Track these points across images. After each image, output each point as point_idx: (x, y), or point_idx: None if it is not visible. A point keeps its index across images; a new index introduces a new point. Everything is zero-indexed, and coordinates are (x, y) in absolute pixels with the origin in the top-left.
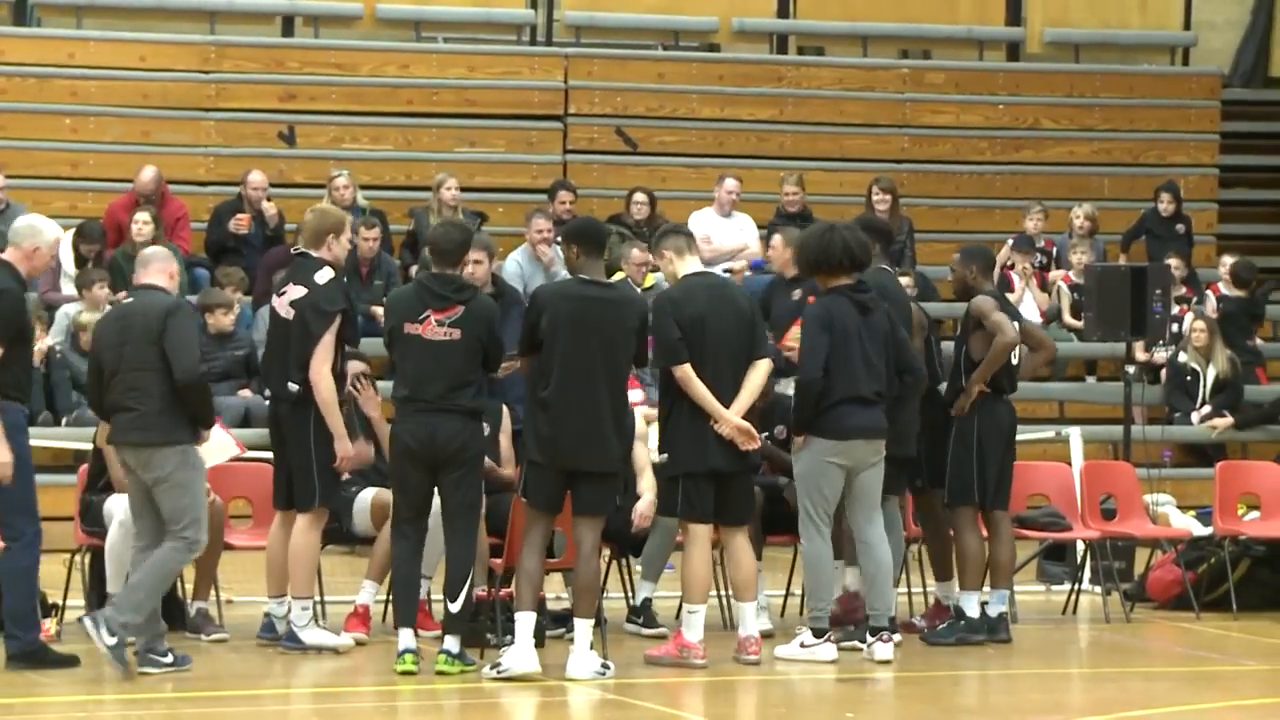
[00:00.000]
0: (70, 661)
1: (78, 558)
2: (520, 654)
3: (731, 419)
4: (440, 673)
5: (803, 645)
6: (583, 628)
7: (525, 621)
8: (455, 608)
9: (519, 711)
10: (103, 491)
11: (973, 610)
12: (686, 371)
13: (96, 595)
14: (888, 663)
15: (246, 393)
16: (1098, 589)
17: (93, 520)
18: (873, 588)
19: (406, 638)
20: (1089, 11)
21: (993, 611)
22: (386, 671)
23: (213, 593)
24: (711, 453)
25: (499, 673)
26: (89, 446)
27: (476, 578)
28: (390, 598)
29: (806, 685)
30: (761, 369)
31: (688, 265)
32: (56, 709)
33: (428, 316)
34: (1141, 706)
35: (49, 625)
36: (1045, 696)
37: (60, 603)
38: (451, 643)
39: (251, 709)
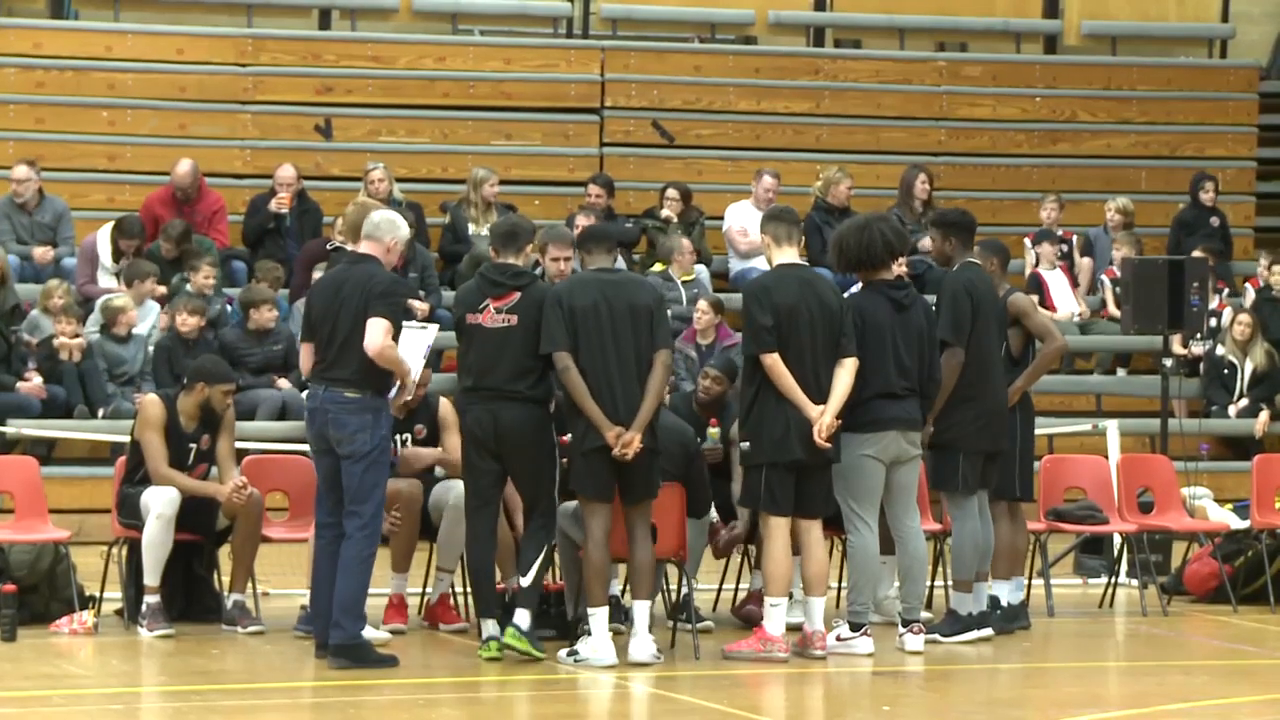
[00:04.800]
0: (390, 662)
1: (114, 550)
2: (599, 646)
3: (823, 417)
4: (508, 646)
5: (839, 639)
6: (642, 610)
7: (601, 616)
8: (526, 581)
9: (558, 706)
10: (140, 484)
11: (1013, 598)
12: (775, 361)
13: (134, 588)
14: (919, 654)
15: (285, 383)
16: (1135, 582)
17: (129, 512)
18: (906, 580)
19: (489, 627)
20: (1127, 4)
21: (1015, 599)
22: (424, 664)
23: (249, 585)
24: (794, 444)
25: (575, 661)
26: (126, 439)
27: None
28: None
29: (843, 678)
30: (849, 368)
31: (785, 255)
32: (93, 700)
33: (487, 305)
34: (1179, 700)
35: (87, 618)
36: (1082, 689)
37: (98, 595)
38: (522, 616)
39: (288, 701)
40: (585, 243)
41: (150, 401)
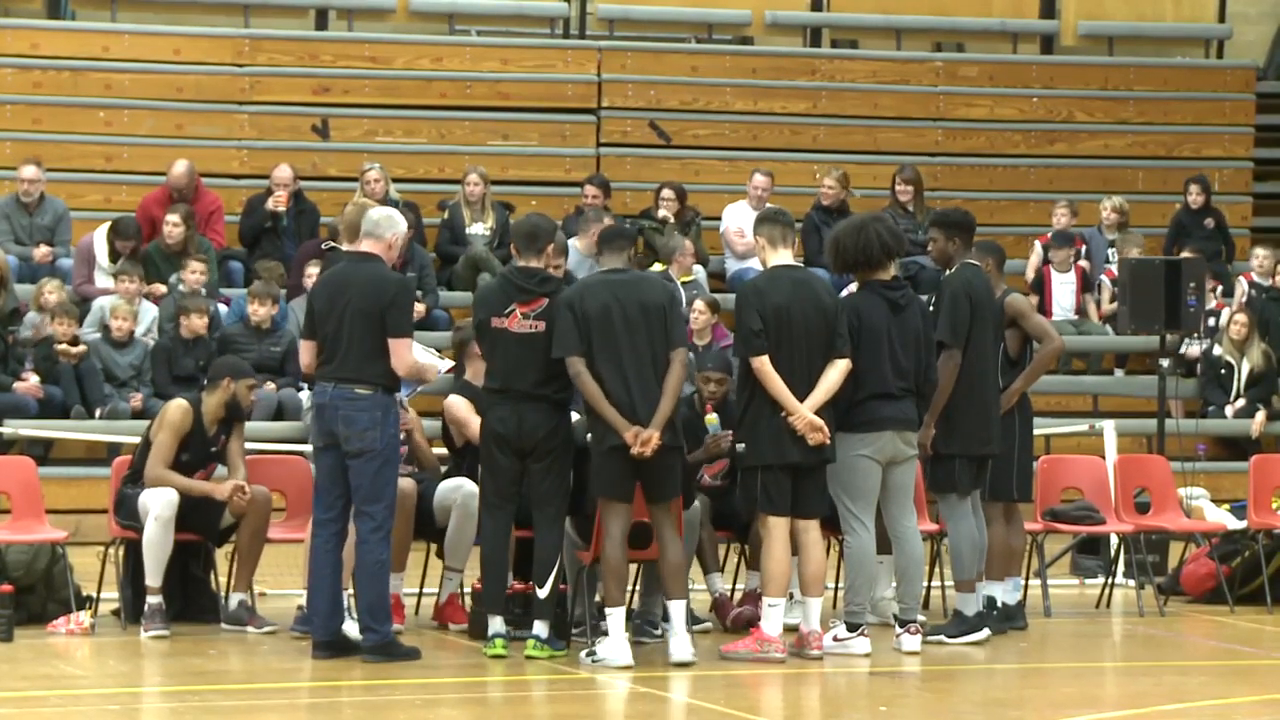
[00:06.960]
0: (414, 654)
1: (112, 550)
2: (616, 646)
3: (805, 414)
4: (530, 657)
5: (836, 639)
6: (678, 609)
7: (617, 616)
8: (543, 593)
9: (555, 706)
10: (141, 484)
11: (1009, 598)
12: (764, 364)
13: (131, 588)
14: (915, 654)
15: (271, 386)
16: (1132, 583)
17: (128, 513)
18: (903, 580)
19: (496, 624)
20: (1123, 4)
21: (1012, 600)
22: (423, 665)
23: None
24: (789, 446)
25: (593, 661)
26: (123, 439)
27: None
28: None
29: (839, 679)
30: (839, 368)
31: (779, 256)
32: (91, 701)
33: (513, 310)
34: (1175, 700)
35: (84, 618)
36: (1079, 690)
37: (95, 595)
38: (540, 628)
39: (285, 702)
40: (601, 244)
41: (177, 406)
